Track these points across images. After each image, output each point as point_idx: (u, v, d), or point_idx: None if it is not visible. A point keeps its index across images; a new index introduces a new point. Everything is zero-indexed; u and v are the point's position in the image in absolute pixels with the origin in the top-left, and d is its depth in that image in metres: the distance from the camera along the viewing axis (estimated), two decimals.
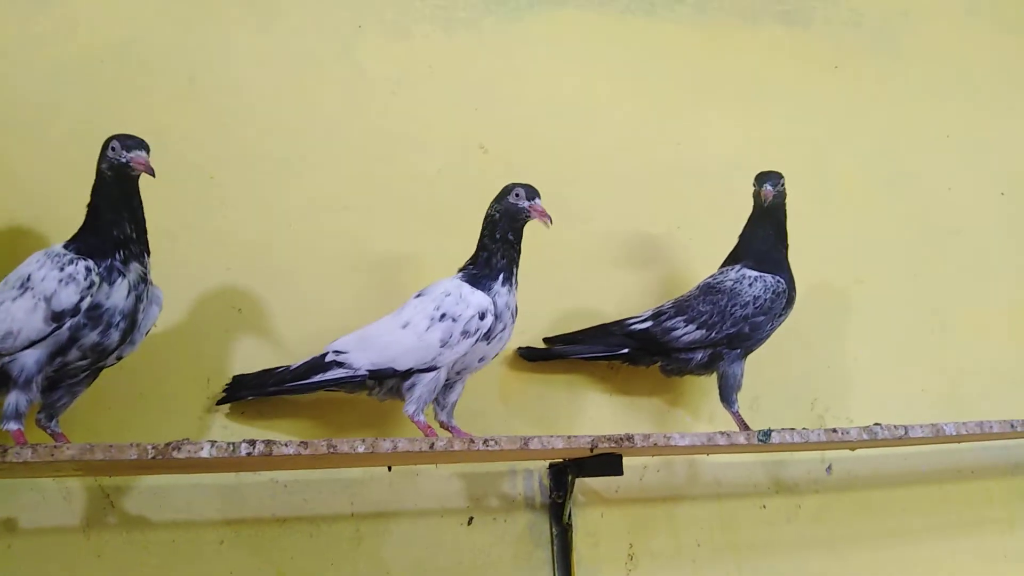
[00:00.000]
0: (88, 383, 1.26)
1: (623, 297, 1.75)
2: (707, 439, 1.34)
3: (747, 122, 1.98)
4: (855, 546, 1.81)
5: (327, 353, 1.37)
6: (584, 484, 1.63)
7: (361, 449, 1.18)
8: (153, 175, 1.19)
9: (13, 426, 1.15)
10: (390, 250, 1.67)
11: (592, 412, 1.70)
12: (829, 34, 2.12)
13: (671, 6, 2.00)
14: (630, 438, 1.29)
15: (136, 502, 1.42)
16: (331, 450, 1.17)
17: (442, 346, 1.31)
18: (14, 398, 1.15)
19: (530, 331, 1.65)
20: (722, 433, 1.36)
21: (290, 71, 1.69)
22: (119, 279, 1.18)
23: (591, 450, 1.29)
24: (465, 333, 1.31)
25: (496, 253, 1.37)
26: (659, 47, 1.98)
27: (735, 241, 1.66)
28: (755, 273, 1.52)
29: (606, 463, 1.36)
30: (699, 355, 1.50)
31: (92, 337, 1.17)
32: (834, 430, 1.43)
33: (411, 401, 1.34)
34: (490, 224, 1.38)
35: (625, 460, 1.40)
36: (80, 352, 1.17)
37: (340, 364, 1.35)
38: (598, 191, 1.83)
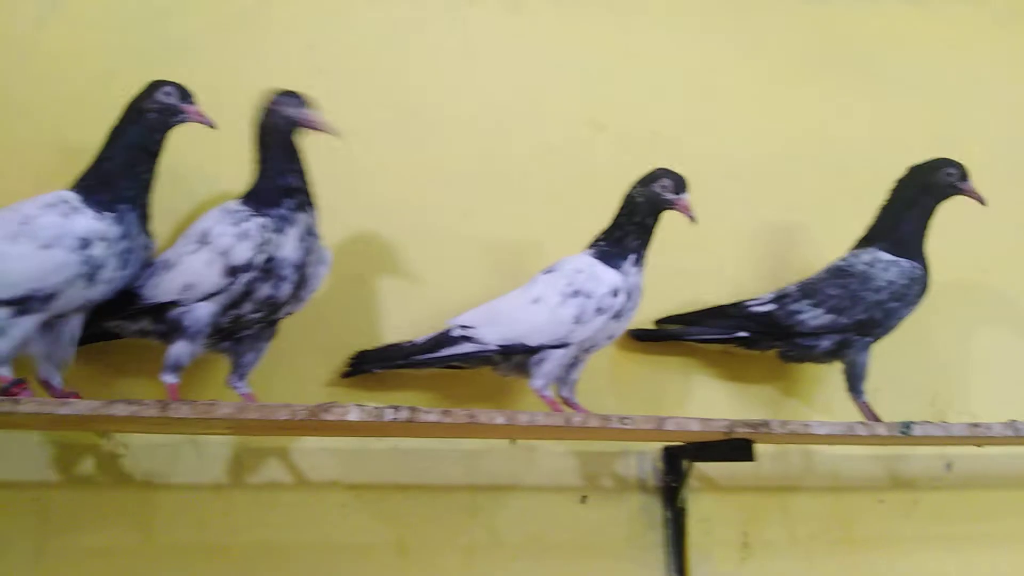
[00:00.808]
0: (268, 339, 1.30)
1: (735, 282, 1.71)
2: (847, 428, 1.31)
3: (866, 105, 1.91)
4: (973, 545, 1.75)
5: (452, 328, 1.37)
6: (698, 469, 1.60)
7: (500, 420, 1.18)
8: (332, 133, 1.23)
9: (171, 379, 1.19)
10: (504, 225, 1.66)
11: (701, 396, 1.66)
12: (951, 12, 2.02)
13: None
14: (767, 424, 1.26)
15: (263, 463, 1.45)
16: (471, 419, 1.17)
17: (575, 323, 1.30)
18: (179, 349, 1.19)
19: (640, 313, 1.62)
20: (862, 423, 1.32)
21: (404, 43, 1.68)
22: (288, 228, 1.21)
23: (727, 434, 1.27)
24: (599, 310, 1.30)
25: (631, 234, 1.36)
26: (779, 26, 1.92)
27: (852, 226, 1.60)
28: (890, 257, 1.47)
29: (735, 448, 1.33)
30: (825, 341, 1.46)
31: (265, 290, 1.20)
32: (976, 424, 1.37)
33: (539, 376, 1.34)
34: (630, 206, 1.37)
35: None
36: (253, 305, 1.21)
37: (468, 339, 1.35)
38: (712, 173, 1.76)
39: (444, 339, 1.36)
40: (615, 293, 1.31)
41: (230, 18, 1.59)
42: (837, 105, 1.90)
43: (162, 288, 1.20)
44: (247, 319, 1.24)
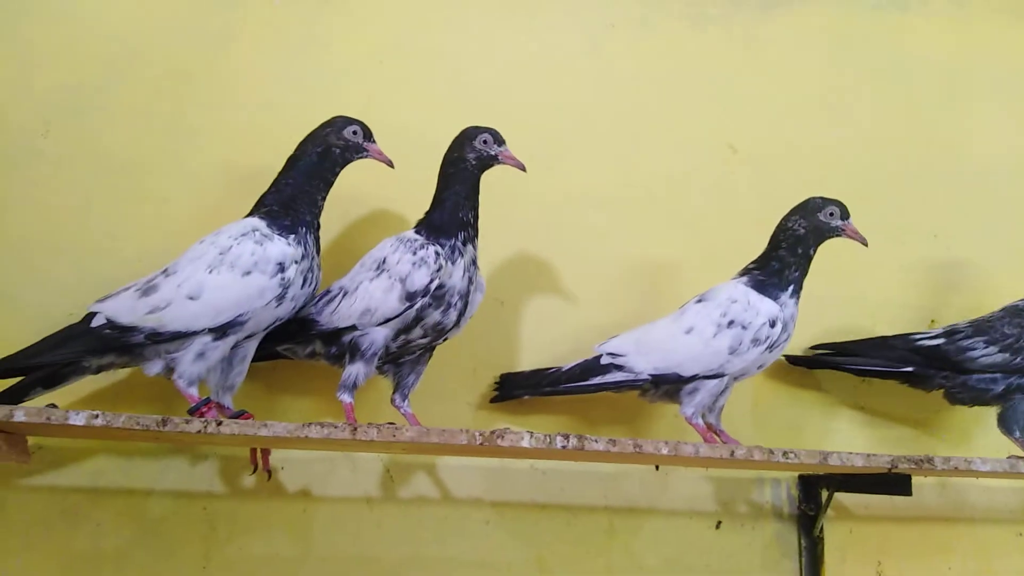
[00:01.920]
0: (426, 361, 1.36)
1: (876, 310, 1.70)
2: (1009, 466, 1.28)
3: (1012, 122, 1.86)
4: None
5: (601, 355, 1.38)
6: (836, 497, 1.59)
7: (665, 451, 1.20)
8: (523, 169, 1.29)
9: (347, 398, 1.25)
10: (641, 249, 1.68)
11: (840, 427, 1.65)
12: None
13: (925, 1, 1.90)
14: (930, 460, 1.25)
15: (413, 479, 1.51)
16: (637, 450, 1.19)
17: (731, 353, 1.31)
18: (356, 370, 1.25)
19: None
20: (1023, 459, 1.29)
21: (544, 69, 1.72)
22: (459, 259, 1.27)
23: (889, 470, 1.26)
24: (755, 341, 1.31)
25: (791, 265, 1.36)
26: (913, 44, 1.89)
27: (1003, 250, 1.56)
28: None
29: (891, 482, 1.32)
30: (999, 384, 1.42)
31: (434, 316, 1.26)
32: None
33: (690, 404, 1.35)
34: (791, 237, 1.37)
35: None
36: (422, 330, 1.27)
37: (619, 367, 1.36)
38: (853, 194, 1.74)
39: (593, 367, 1.38)
40: (773, 323, 1.32)
41: (382, 49, 1.65)
42: (979, 123, 1.85)
43: (340, 314, 1.26)
44: (415, 344, 1.30)
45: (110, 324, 1.18)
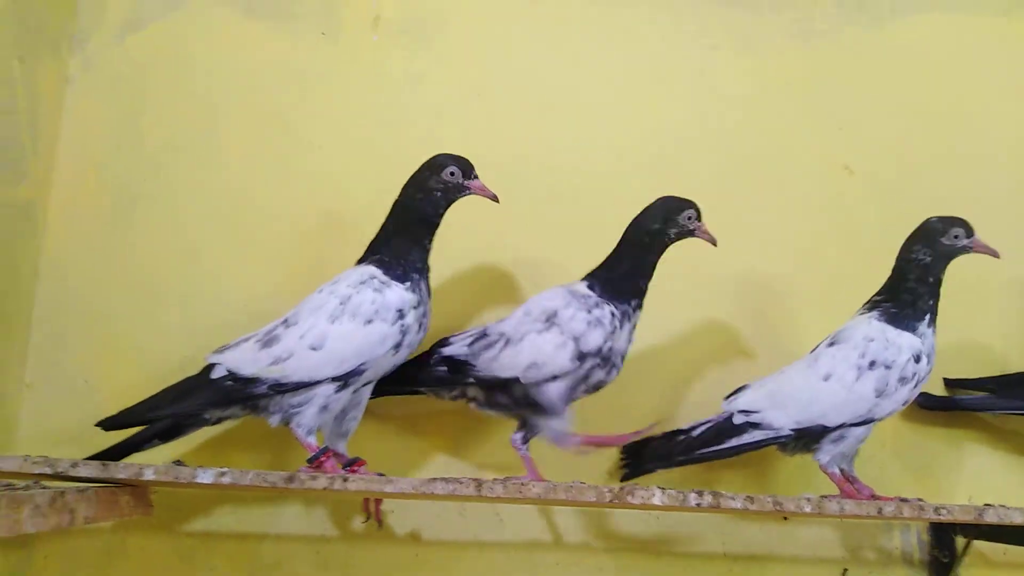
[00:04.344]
0: None
1: (1005, 335, 1.58)
2: None
3: None
4: None
5: (732, 414, 1.29)
6: (970, 544, 1.49)
7: (808, 509, 1.12)
8: (715, 244, 1.28)
9: (577, 439, 1.23)
10: (756, 275, 1.60)
11: (971, 468, 1.53)
12: None
13: None
14: None
15: (523, 522, 1.46)
16: (777, 507, 1.12)
17: (878, 396, 1.22)
18: (556, 424, 1.22)
19: None
20: None
21: (647, 97, 1.66)
22: (627, 323, 1.23)
23: None
24: (903, 380, 1.22)
25: (924, 296, 1.27)
26: None
27: None
28: None
29: None
30: None
31: (599, 375, 1.22)
32: None
33: (828, 452, 1.27)
34: (917, 268, 1.28)
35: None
36: (585, 387, 1.23)
37: (756, 425, 1.26)
38: (984, 216, 1.63)
39: (727, 428, 1.28)
40: (917, 358, 1.22)
41: (479, 83, 1.62)
42: None
43: (502, 364, 1.22)
44: (575, 399, 1.25)
45: (232, 376, 1.18)
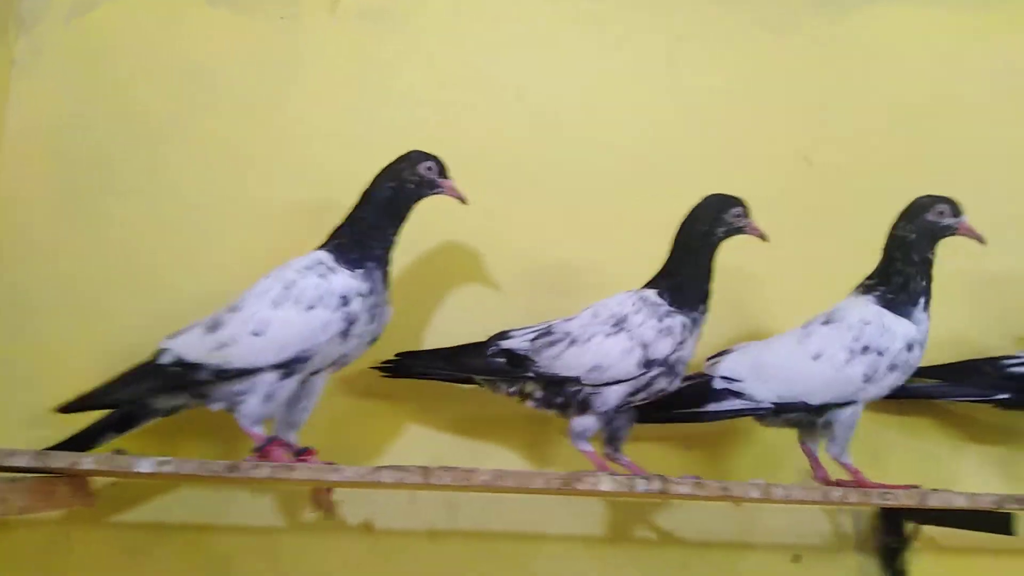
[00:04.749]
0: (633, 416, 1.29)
1: (959, 326, 1.60)
2: None
3: None
4: None
5: (713, 378, 1.28)
6: (918, 529, 1.51)
7: (755, 494, 1.13)
8: (765, 239, 1.28)
9: (587, 447, 1.23)
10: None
11: (925, 455, 1.55)
12: None
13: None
14: None
15: (474, 512, 1.45)
16: (724, 492, 1.13)
17: (865, 381, 1.22)
18: (590, 423, 1.22)
19: None
20: None
21: (615, 87, 1.65)
22: (696, 331, 1.22)
23: (994, 509, 1.18)
24: (892, 367, 1.22)
25: (915, 277, 1.26)
26: (997, 45, 1.76)
27: None
28: None
29: (990, 521, 1.23)
30: None
31: (661, 383, 1.20)
32: None
33: (834, 443, 1.26)
34: (903, 246, 1.27)
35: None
36: (645, 394, 1.21)
37: (736, 393, 1.26)
38: None
39: (707, 391, 1.27)
40: (910, 347, 1.22)
41: (445, 74, 1.60)
42: None
43: (565, 363, 1.20)
44: (634, 403, 1.24)
45: (178, 361, 1.15)
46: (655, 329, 1.18)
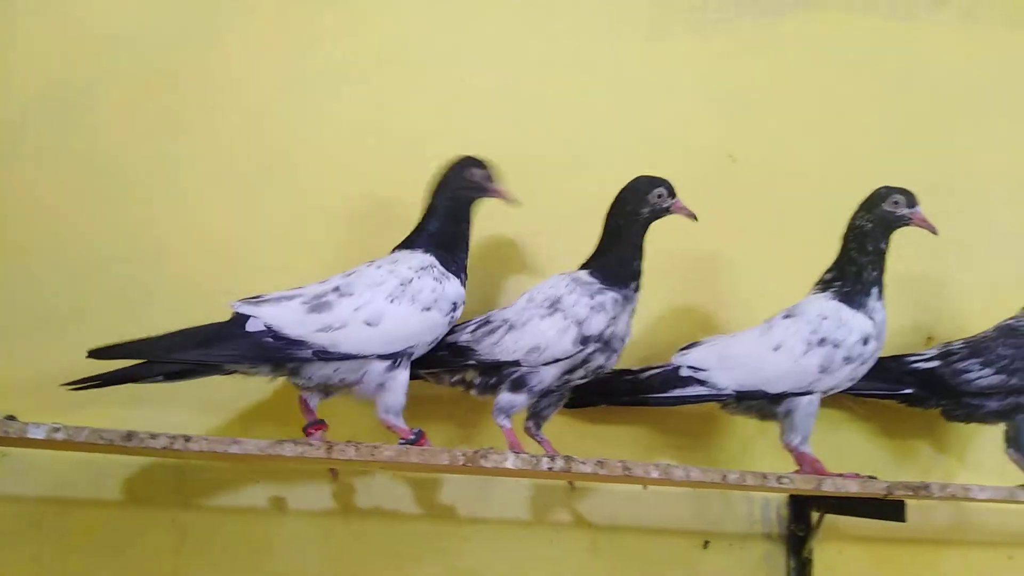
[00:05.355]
0: (567, 395, 1.33)
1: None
2: (1008, 494, 1.25)
3: (1014, 138, 1.82)
4: None
5: (680, 367, 1.33)
6: (825, 518, 1.55)
7: (655, 474, 1.16)
8: (695, 218, 1.32)
9: (507, 423, 1.24)
10: None
11: (844, 448, 1.59)
12: None
13: (935, 10, 1.85)
14: (927, 487, 1.22)
15: (383, 493, 1.45)
16: (626, 472, 1.15)
17: (821, 372, 1.27)
18: (516, 399, 1.24)
19: None
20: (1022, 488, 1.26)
21: (545, 77, 1.65)
22: (628, 307, 1.25)
23: (885, 496, 1.22)
24: (847, 360, 1.27)
25: (867, 267, 1.31)
26: (922, 53, 1.83)
27: (1002, 274, 1.53)
28: None
29: (883, 507, 1.28)
30: (993, 402, 1.39)
31: (599, 359, 1.24)
32: None
33: (793, 432, 1.31)
34: (859, 235, 1.33)
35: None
36: (583, 371, 1.25)
37: (700, 381, 1.31)
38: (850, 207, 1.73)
39: (673, 378, 1.32)
40: (865, 341, 1.28)
41: (379, 52, 1.59)
42: (985, 133, 1.79)
43: (504, 348, 1.23)
44: (573, 383, 1.28)
45: (272, 332, 1.15)
46: (588, 306, 1.22)
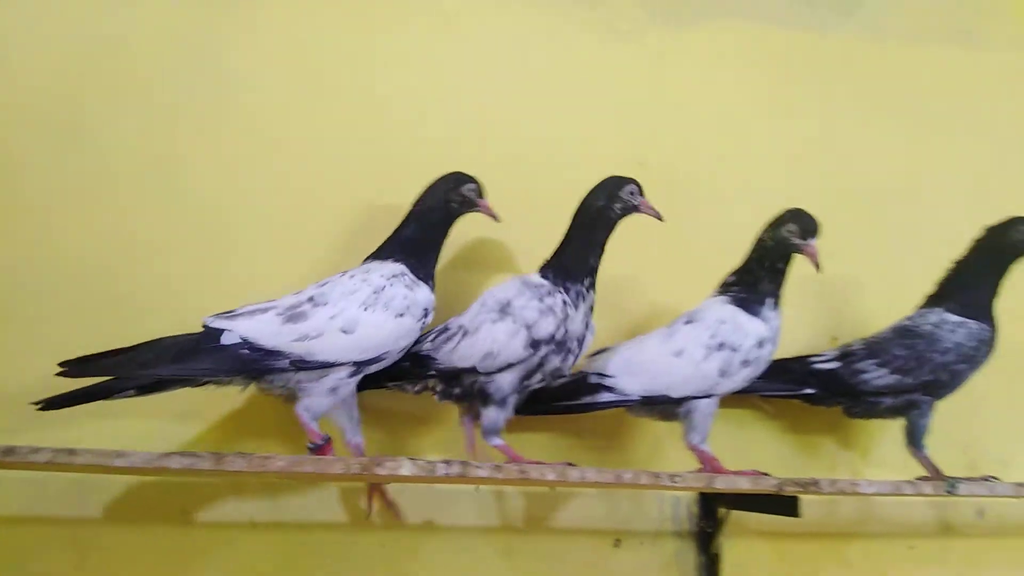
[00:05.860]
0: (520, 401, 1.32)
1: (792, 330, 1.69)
2: (893, 488, 1.30)
3: (914, 146, 1.90)
4: None
5: (589, 375, 1.36)
6: (734, 514, 1.60)
7: (551, 476, 1.18)
8: (660, 219, 1.33)
9: (498, 441, 1.27)
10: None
11: (756, 445, 1.65)
12: (1005, 57, 2.00)
13: (840, 22, 1.92)
14: (816, 483, 1.26)
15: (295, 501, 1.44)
16: (522, 475, 1.16)
17: (721, 376, 1.30)
18: (495, 415, 1.26)
19: None
20: (909, 483, 1.32)
21: (452, 84, 1.67)
22: (581, 304, 1.25)
23: (776, 492, 1.26)
24: (745, 363, 1.31)
25: (764, 279, 1.35)
26: (826, 64, 1.90)
27: (902, 275, 1.59)
28: (957, 318, 1.45)
29: (781, 503, 1.32)
30: (888, 400, 1.45)
31: (555, 362, 1.25)
32: (1022, 484, 1.36)
33: (693, 431, 1.34)
34: (760, 249, 1.36)
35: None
36: (540, 375, 1.26)
37: (608, 388, 1.34)
38: (763, 211, 1.77)
39: (582, 386, 1.35)
40: (761, 344, 1.31)
41: (287, 53, 1.58)
42: (882, 144, 1.87)
43: (460, 354, 1.24)
44: (531, 387, 1.28)
45: (248, 345, 1.15)
46: (536, 310, 1.23)
